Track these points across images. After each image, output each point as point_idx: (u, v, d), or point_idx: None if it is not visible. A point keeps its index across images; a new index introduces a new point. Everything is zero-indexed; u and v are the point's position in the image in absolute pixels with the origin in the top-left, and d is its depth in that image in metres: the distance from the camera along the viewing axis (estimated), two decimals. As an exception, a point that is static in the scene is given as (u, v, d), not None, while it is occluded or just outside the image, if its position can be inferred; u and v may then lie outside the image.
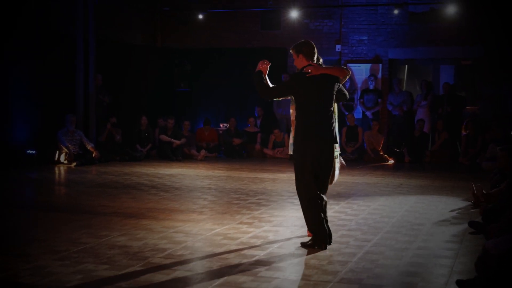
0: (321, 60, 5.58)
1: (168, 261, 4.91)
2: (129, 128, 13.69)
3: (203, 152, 13.65)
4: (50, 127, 12.02)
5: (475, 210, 7.27)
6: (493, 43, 13.77)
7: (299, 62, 5.52)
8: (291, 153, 5.67)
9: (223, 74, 15.66)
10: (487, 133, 12.91)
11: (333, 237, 5.55)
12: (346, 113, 14.20)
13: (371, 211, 7.21)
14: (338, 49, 15.02)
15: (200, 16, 15.41)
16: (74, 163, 11.73)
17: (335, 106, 5.58)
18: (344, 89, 5.67)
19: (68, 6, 12.67)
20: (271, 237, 5.82)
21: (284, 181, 9.82)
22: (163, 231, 6.00)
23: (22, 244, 5.47)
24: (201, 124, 14.83)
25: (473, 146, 13.08)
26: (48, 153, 11.90)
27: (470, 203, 7.75)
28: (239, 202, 7.78)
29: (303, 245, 5.43)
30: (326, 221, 5.43)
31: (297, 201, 5.52)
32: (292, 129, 5.66)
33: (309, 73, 5.34)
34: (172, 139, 13.48)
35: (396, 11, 14.50)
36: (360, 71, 14.90)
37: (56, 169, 11.43)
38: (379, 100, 14.39)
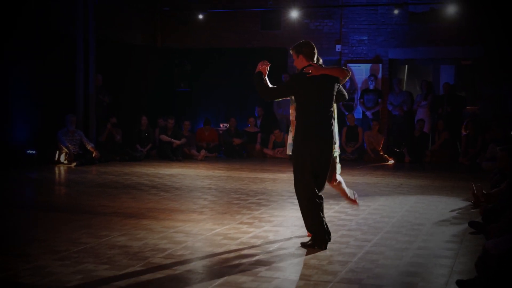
0: (320, 61, 5.59)
1: (168, 261, 4.91)
2: (129, 128, 13.70)
3: (203, 152, 13.65)
4: (50, 127, 12.03)
5: (475, 210, 7.26)
6: (493, 43, 13.77)
7: (299, 62, 5.53)
8: (290, 153, 5.68)
9: (223, 74, 15.66)
10: (487, 133, 12.91)
11: (333, 237, 5.56)
12: (346, 113, 14.20)
13: (371, 211, 7.21)
14: (338, 49, 15.02)
15: (200, 16, 15.40)
16: (74, 163, 11.73)
17: (335, 106, 5.60)
18: (344, 90, 5.70)
19: (68, 6, 12.67)
20: (271, 237, 5.83)
21: (284, 181, 9.82)
22: (163, 231, 6.00)
23: (22, 244, 5.47)
24: (201, 124, 14.84)
25: (473, 146, 13.08)
26: (48, 153, 11.91)
27: (470, 203, 7.75)
28: (239, 202, 7.78)
29: (303, 245, 5.43)
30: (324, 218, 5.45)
31: (297, 201, 5.52)
32: (292, 129, 5.67)
33: (309, 73, 5.35)
34: (172, 139, 13.48)
35: (396, 11, 14.50)
36: (360, 71, 14.90)
37: (56, 169, 11.43)
38: (379, 100, 14.39)
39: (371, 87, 14.48)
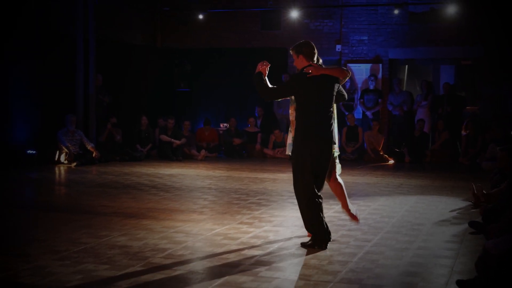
0: (320, 61, 5.60)
1: (168, 261, 4.91)
2: (129, 128, 13.70)
3: (203, 152, 13.65)
4: (50, 127, 12.03)
5: (475, 210, 7.26)
6: (493, 43, 13.77)
7: (299, 62, 5.53)
8: (289, 153, 5.68)
9: (223, 74, 15.66)
10: (487, 133, 12.91)
11: (333, 237, 5.57)
12: (346, 113, 14.20)
13: (371, 211, 7.21)
14: (338, 49, 15.02)
15: (200, 16, 15.40)
16: (74, 163, 11.73)
17: (335, 106, 5.60)
18: (343, 90, 5.71)
19: (68, 6, 12.67)
20: (271, 237, 5.82)
21: (285, 181, 9.81)
22: (163, 231, 6.00)
23: (22, 244, 5.47)
24: (201, 124, 14.84)
25: (473, 146, 13.08)
26: (48, 153, 11.91)
27: (470, 203, 7.75)
28: (240, 202, 7.78)
29: (303, 245, 5.43)
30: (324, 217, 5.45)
31: (297, 201, 5.52)
32: (292, 129, 5.67)
33: (309, 73, 5.35)
34: (172, 139, 13.48)
35: (396, 11, 14.49)
36: (360, 71, 14.90)
37: (56, 169, 11.43)
38: (379, 100, 14.39)
39: (371, 87, 14.48)
